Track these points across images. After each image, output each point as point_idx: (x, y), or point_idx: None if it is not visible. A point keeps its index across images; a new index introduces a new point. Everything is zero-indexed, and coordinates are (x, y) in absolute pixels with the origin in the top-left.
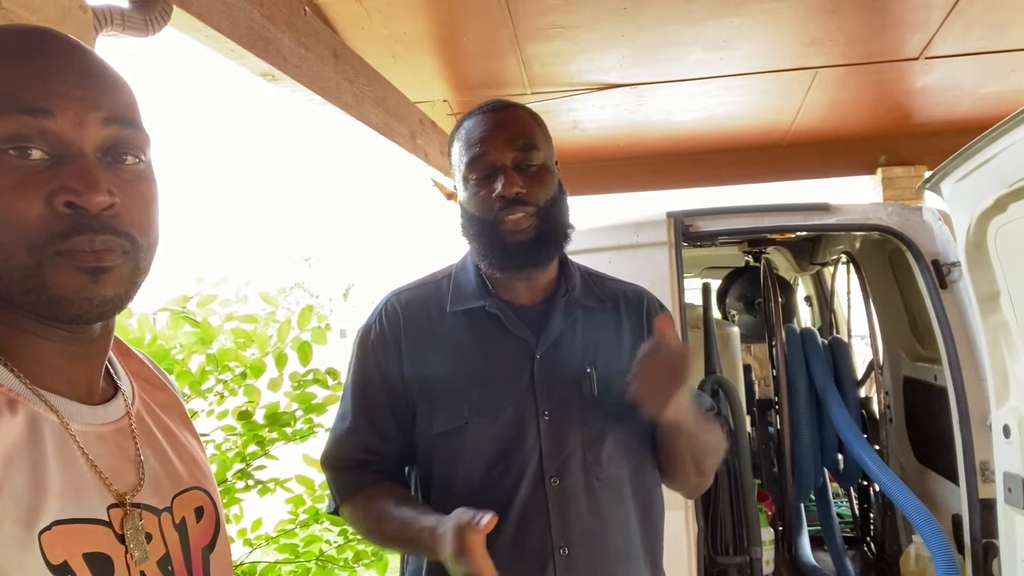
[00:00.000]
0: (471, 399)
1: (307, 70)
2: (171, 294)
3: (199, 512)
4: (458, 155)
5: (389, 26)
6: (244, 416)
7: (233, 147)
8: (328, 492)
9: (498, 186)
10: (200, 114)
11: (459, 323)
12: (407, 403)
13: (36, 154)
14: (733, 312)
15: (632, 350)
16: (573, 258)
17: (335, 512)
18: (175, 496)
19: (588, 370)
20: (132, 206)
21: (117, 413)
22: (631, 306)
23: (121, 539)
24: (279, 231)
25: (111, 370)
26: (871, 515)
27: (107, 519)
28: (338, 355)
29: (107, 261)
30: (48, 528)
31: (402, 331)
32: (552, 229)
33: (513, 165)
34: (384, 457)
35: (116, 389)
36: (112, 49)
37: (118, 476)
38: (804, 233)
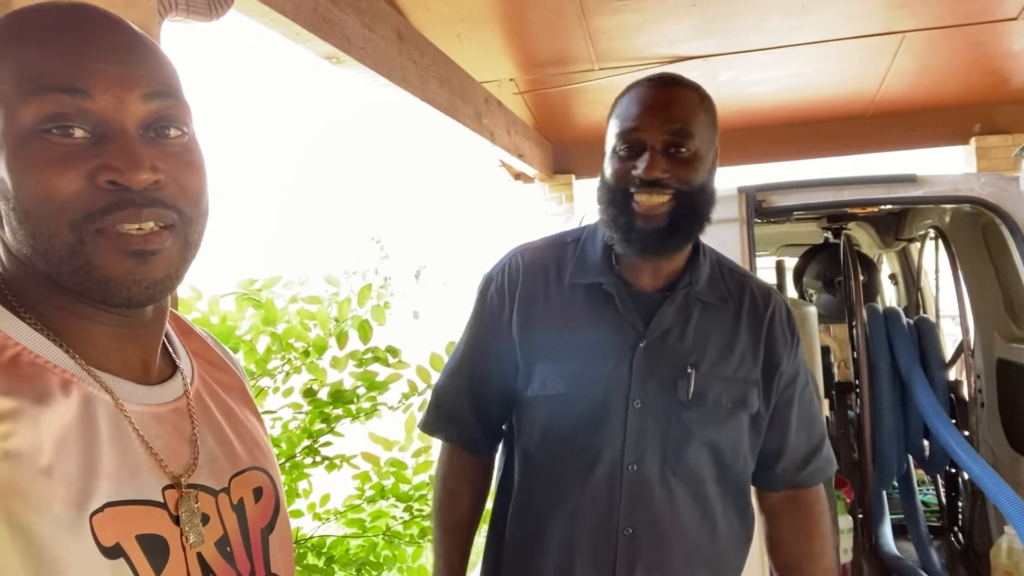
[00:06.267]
0: (566, 372)
1: (371, 52)
2: (239, 277)
3: (258, 493)
4: (613, 124)
5: (454, 5)
6: (309, 394)
7: (302, 130)
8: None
9: (640, 165)
10: (266, 96)
11: (574, 294)
12: (513, 354)
13: (78, 133)
14: (811, 291)
15: (743, 356)
16: None
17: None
18: (233, 477)
19: (689, 370)
20: (179, 178)
21: (175, 393)
22: (754, 307)
23: (176, 521)
24: (348, 213)
25: (170, 349)
26: (959, 504)
27: (162, 500)
28: (409, 335)
29: (154, 244)
30: (100, 510)
31: (519, 288)
32: (687, 216)
33: (662, 148)
34: (473, 419)
35: (175, 368)
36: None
37: (174, 457)
38: (889, 207)
